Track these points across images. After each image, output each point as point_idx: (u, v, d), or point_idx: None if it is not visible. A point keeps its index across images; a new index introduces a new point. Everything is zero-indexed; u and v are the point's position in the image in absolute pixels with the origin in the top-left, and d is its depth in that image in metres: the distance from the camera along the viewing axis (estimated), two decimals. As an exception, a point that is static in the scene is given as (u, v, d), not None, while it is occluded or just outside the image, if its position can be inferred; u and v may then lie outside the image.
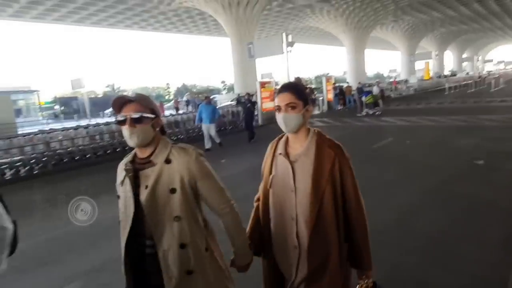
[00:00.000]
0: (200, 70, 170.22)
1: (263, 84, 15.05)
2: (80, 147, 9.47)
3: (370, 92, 15.57)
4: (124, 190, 1.47)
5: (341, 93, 19.27)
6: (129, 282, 1.49)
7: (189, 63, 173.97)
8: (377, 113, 15.55)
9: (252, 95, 20.74)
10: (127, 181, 1.45)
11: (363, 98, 15.47)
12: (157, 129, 1.48)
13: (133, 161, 1.51)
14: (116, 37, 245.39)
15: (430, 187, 5.29)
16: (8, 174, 8.26)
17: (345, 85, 21.83)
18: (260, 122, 14.93)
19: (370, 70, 43.48)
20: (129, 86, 63.16)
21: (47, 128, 11.61)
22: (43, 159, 8.69)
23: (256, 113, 15.51)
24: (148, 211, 1.41)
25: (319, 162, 1.47)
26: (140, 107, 1.41)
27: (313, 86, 20.71)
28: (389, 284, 2.81)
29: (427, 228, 3.86)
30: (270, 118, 15.02)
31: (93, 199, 3.75)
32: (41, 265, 3.77)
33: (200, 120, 10.04)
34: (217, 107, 12.48)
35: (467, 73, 52.69)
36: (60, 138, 9.34)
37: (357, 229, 1.54)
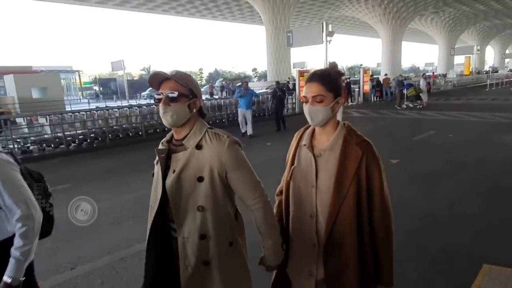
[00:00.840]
0: (232, 56, 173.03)
1: (302, 73, 15.33)
2: (133, 125, 10.24)
3: (411, 85, 15.51)
4: (156, 170, 1.44)
5: (378, 85, 19.17)
6: (148, 263, 1.46)
7: (222, 49, 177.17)
8: (418, 106, 15.52)
9: (288, 82, 21.15)
10: (159, 162, 1.42)
11: (404, 91, 15.45)
12: (194, 110, 1.41)
13: (170, 141, 1.47)
14: (152, 21, 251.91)
15: (477, 178, 5.54)
16: (72, 146, 9.13)
17: (382, 77, 21.58)
18: (297, 110, 15.28)
19: (405, 62, 42.47)
20: (165, 69, 65.00)
21: (93, 107, 12.48)
22: (102, 134, 9.49)
23: (292, 101, 15.90)
24: (171, 197, 1.37)
25: (344, 160, 1.35)
26: (178, 85, 1.35)
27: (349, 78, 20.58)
28: (443, 254, 3.22)
29: (477, 212, 4.17)
30: (306, 107, 15.45)
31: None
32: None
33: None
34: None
35: (510, 70, 50.28)
36: (116, 115, 10.09)
37: (379, 239, 1.41)
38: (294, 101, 15.88)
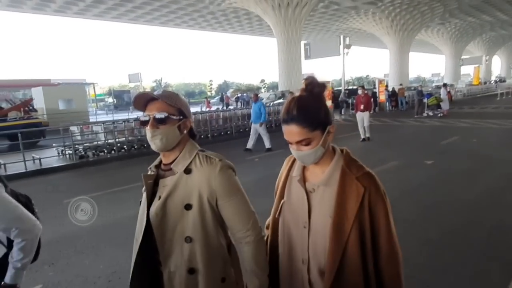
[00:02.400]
0: (240, 68, 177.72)
1: (323, 84, 16.23)
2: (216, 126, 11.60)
3: (431, 94, 16.45)
4: (143, 197, 1.34)
5: (393, 95, 20.03)
6: None
7: (229, 61, 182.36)
8: (439, 114, 16.39)
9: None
10: (145, 187, 1.33)
11: (425, 100, 16.34)
12: (185, 131, 1.31)
13: (158, 166, 1.38)
14: (164, 35, 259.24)
15: (509, 172, 6.30)
16: (122, 152, 9.94)
17: (398, 87, 22.49)
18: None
19: (410, 73, 43.52)
20: (174, 81, 68.19)
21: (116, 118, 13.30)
22: (128, 143, 10.29)
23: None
24: (155, 226, 1.27)
25: (343, 199, 1.15)
26: (166, 106, 1.25)
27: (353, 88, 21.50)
28: (490, 235, 3.96)
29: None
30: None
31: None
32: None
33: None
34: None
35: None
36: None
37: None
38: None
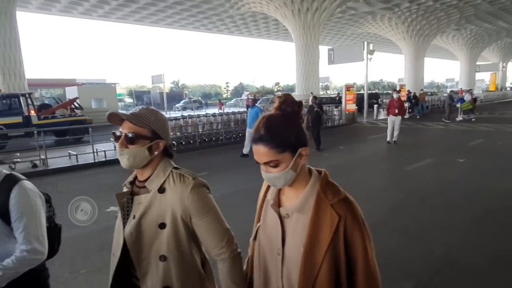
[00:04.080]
0: (255, 70, 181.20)
1: (348, 88, 17.17)
2: (215, 131, 12.28)
3: (463, 99, 17.39)
4: (118, 215, 1.37)
5: (414, 98, 20.75)
6: None
7: (245, 64, 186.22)
8: (473, 119, 17.08)
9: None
10: (119, 206, 1.34)
11: (458, 105, 17.25)
12: (156, 152, 1.32)
13: (133, 182, 1.40)
14: (181, 37, 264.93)
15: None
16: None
17: (417, 92, 23.27)
18: (343, 121, 17.04)
19: (425, 78, 44.37)
20: (191, 82, 70.81)
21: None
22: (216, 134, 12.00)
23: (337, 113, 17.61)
24: (131, 245, 1.31)
25: (315, 228, 1.08)
26: (136, 127, 1.26)
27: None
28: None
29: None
30: (351, 119, 17.29)
31: (231, 170, 6.28)
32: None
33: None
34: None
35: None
36: (204, 122, 12.09)
37: None
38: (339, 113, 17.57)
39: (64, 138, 12.48)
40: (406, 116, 19.64)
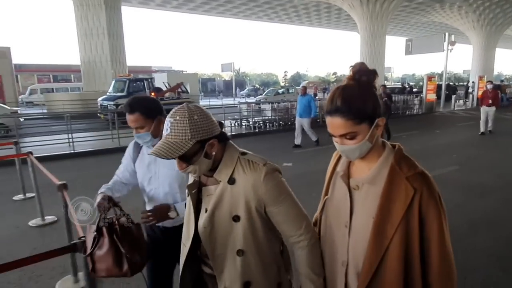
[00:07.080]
0: (309, 60, 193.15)
1: (429, 78, 18.01)
2: (278, 117, 13.40)
3: None
4: (188, 203, 1.35)
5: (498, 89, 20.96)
6: None
7: (303, 53, 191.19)
8: None
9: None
10: (190, 197, 1.32)
11: None
12: (213, 153, 1.22)
13: None
14: (241, 27, 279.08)
15: None
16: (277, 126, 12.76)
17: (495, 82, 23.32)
18: (423, 110, 17.94)
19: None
20: (251, 71, 75.83)
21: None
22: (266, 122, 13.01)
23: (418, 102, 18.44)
24: (205, 241, 1.29)
25: (388, 200, 1.06)
26: (181, 153, 1.16)
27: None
28: None
29: None
30: (430, 108, 18.14)
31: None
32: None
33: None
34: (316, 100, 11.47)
35: None
36: (269, 108, 13.47)
37: None
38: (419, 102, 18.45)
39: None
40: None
